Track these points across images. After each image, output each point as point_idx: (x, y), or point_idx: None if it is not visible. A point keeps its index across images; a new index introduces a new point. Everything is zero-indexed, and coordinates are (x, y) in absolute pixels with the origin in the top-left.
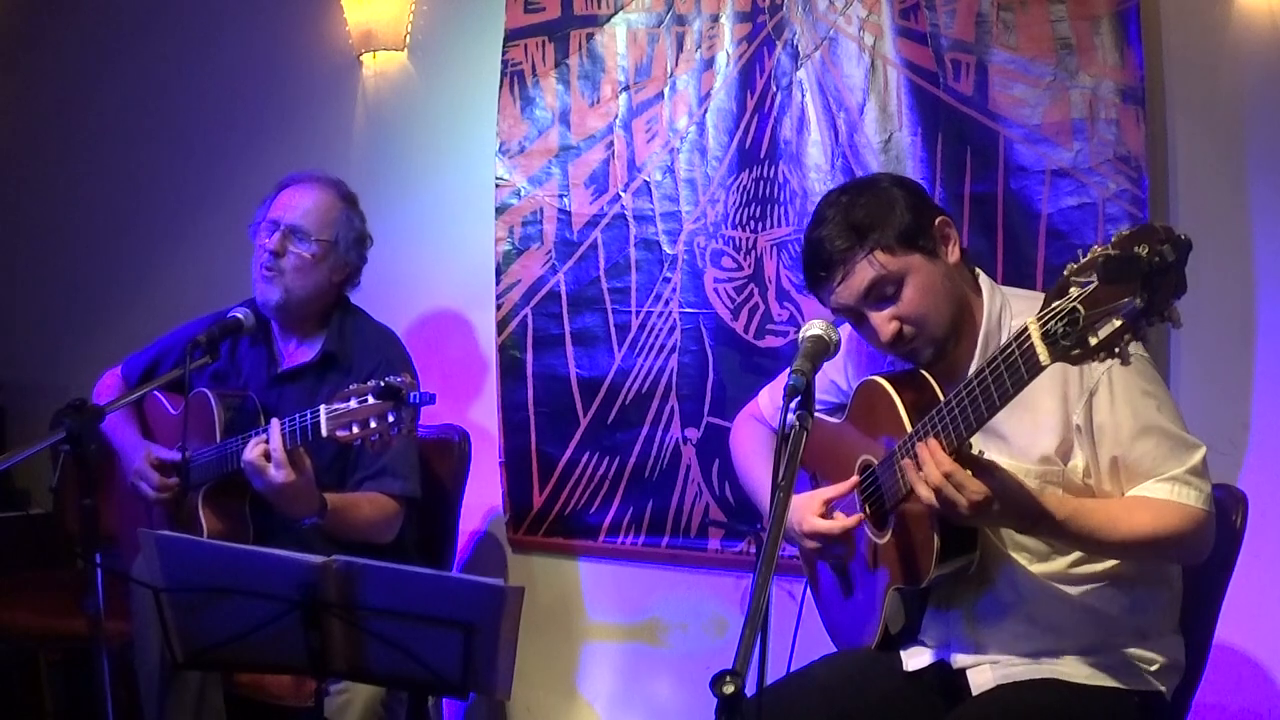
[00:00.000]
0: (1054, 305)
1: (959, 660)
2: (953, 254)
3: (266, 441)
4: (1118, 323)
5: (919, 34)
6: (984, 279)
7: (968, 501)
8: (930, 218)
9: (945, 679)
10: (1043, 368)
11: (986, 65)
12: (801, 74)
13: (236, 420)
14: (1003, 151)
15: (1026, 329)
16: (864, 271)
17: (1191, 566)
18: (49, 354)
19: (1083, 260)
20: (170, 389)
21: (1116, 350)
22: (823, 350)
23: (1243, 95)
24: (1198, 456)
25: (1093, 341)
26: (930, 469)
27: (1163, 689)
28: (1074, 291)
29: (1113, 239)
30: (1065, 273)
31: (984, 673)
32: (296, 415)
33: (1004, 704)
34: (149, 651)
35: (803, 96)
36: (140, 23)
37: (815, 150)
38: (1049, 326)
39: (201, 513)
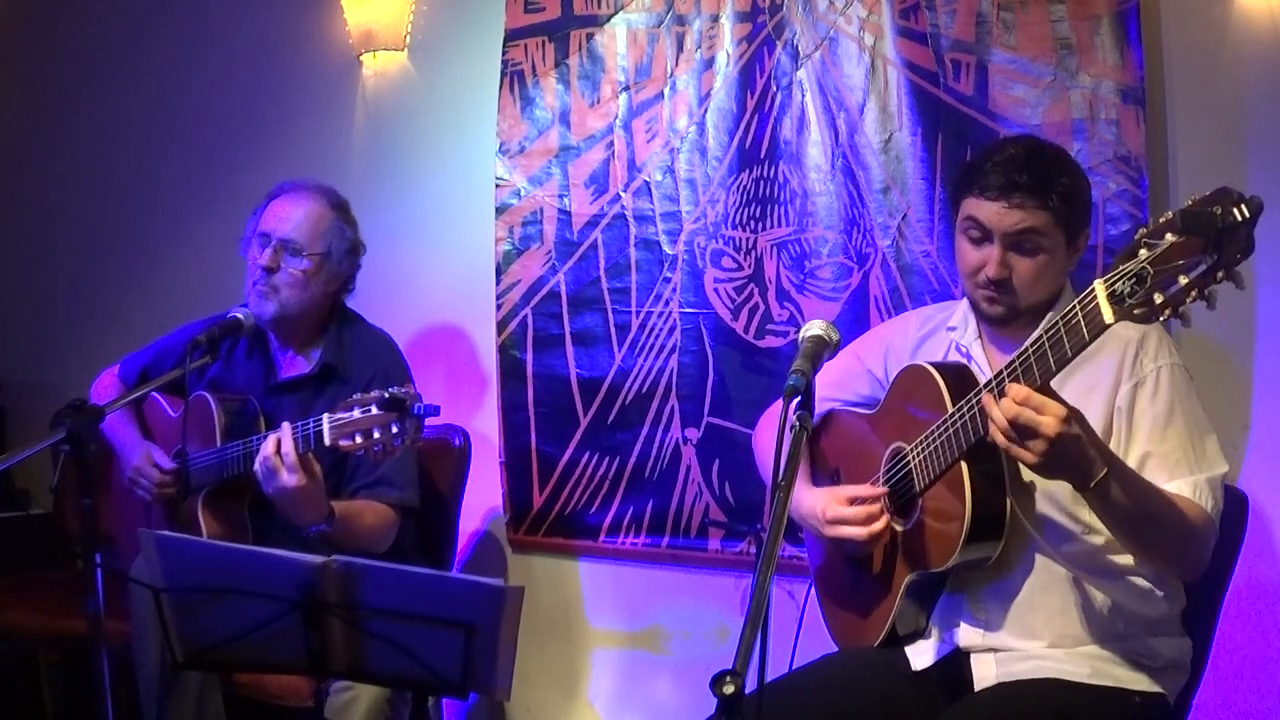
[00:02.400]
0: (1123, 267)
1: (964, 638)
2: (1073, 260)
3: (279, 444)
4: (1184, 280)
5: (919, 34)
6: (1069, 289)
7: (1052, 418)
8: (1087, 225)
9: (948, 675)
10: (1106, 327)
11: (986, 65)
12: (801, 74)
13: (236, 424)
14: None
15: (1093, 288)
16: (1029, 216)
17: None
18: (49, 354)
19: (1156, 223)
20: (169, 391)
21: (1180, 310)
22: (823, 350)
23: (1243, 95)
24: (1218, 471)
25: (1158, 300)
26: (1007, 403)
27: (1164, 690)
28: (1144, 253)
29: (1190, 200)
30: (1137, 236)
31: (988, 665)
32: (299, 423)
33: (1004, 702)
34: (149, 652)
35: (803, 96)
36: (140, 22)
37: (815, 150)
38: (1116, 286)
39: (201, 516)
